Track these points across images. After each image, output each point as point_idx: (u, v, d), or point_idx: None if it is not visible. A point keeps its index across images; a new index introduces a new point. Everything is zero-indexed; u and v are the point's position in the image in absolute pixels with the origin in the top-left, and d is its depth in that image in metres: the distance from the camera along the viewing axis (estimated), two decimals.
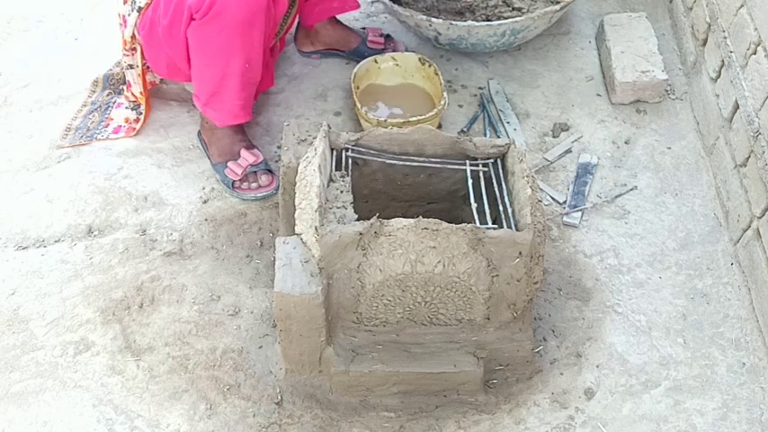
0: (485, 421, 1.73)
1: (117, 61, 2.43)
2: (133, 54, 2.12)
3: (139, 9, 1.94)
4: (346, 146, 1.81)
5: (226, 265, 1.98)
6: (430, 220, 1.62)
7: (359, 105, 2.21)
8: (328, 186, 1.73)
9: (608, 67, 2.44)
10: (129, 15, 2.02)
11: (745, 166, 1.98)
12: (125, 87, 2.28)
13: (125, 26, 2.06)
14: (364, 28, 2.52)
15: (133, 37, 2.06)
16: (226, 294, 1.93)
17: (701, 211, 2.14)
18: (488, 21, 2.42)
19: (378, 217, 1.63)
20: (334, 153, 1.81)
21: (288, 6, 2.10)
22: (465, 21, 2.44)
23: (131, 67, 2.17)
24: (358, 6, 2.40)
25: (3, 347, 1.82)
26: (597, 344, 1.86)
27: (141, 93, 2.22)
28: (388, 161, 1.82)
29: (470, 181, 1.79)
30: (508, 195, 1.78)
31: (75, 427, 1.69)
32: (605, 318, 1.91)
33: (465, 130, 2.34)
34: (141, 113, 2.28)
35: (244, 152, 2.12)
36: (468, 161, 1.85)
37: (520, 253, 1.65)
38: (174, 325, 1.86)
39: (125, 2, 2.03)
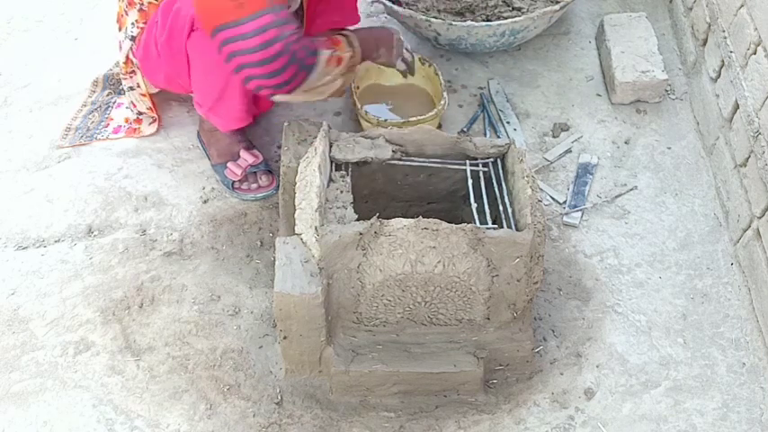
0: (485, 421, 1.73)
1: (117, 61, 2.43)
2: (132, 77, 2.14)
3: (132, 38, 1.96)
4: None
5: (226, 265, 1.99)
6: (430, 220, 1.62)
7: (359, 105, 2.21)
8: (328, 186, 1.73)
9: (608, 67, 2.44)
10: (123, 41, 2.04)
11: (745, 166, 1.98)
12: (131, 105, 2.28)
13: (120, 51, 2.08)
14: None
15: (128, 61, 2.07)
16: (226, 294, 1.93)
17: (701, 211, 2.14)
18: (488, 21, 2.42)
19: (378, 217, 1.63)
20: None
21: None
22: (465, 21, 2.44)
23: (132, 88, 2.19)
24: (358, 20, 2.42)
25: (3, 347, 1.82)
26: (597, 344, 1.86)
27: (149, 108, 2.23)
28: (388, 161, 1.82)
29: (470, 181, 1.79)
30: (508, 195, 1.78)
31: (75, 427, 1.69)
32: (605, 318, 1.91)
33: (465, 130, 2.34)
34: (141, 114, 2.28)
35: (243, 153, 2.12)
36: (468, 161, 1.85)
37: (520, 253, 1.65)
38: (174, 325, 1.86)
39: (120, 28, 2.05)
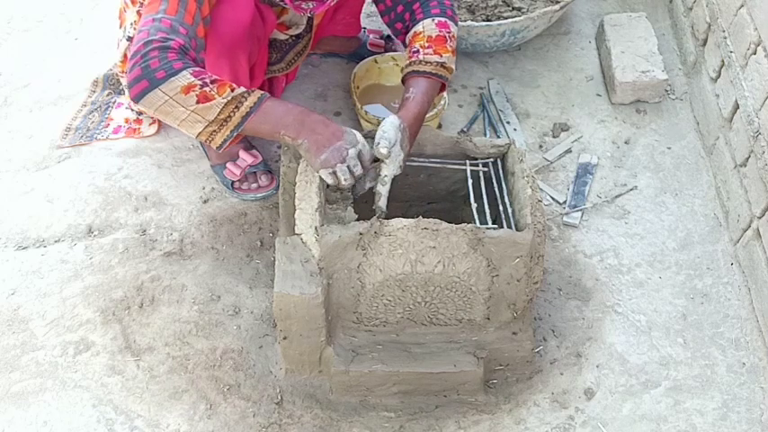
0: (485, 421, 1.73)
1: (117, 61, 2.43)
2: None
3: (129, 38, 1.96)
4: None
5: (226, 265, 1.98)
6: (430, 220, 1.62)
7: (359, 105, 2.21)
8: (328, 186, 1.73)
9: (608, 67, 2.44)
10: (121, 40, 2.04)
11: (745, 166, 1.98)
12: (131, 103, 2.28)
13: (118, 49, 2.08)
14: (364, 28, 2.52)
15: (125, 60, 2.08)
16: (226, 294, 1.93)
17: (701, 211, 2.14)
18: (488, 21, 2.42)
19: (378, 217, 1.63)
20: None
21: (302, 42, 2.17)
22: (464, 21, 2.44)
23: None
24: (359, 31, 2.43)
25: (3, 347, 1.82)
26: (597, 344, 1.86)
27: None
28: None
29: (470, 181, 1.79)
30: (508, 195, 1.78)
31: (75, 427, 1.69)
32: (605, 318, 1.91)
33: (465, 130, 2.34)
34: (141, 114, 2.28)
35: (242, 153, 2.12)
36: (468, 161, 1.85)
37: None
38: (174, 325, 1.86)
39: (120, 26, 2.05)
